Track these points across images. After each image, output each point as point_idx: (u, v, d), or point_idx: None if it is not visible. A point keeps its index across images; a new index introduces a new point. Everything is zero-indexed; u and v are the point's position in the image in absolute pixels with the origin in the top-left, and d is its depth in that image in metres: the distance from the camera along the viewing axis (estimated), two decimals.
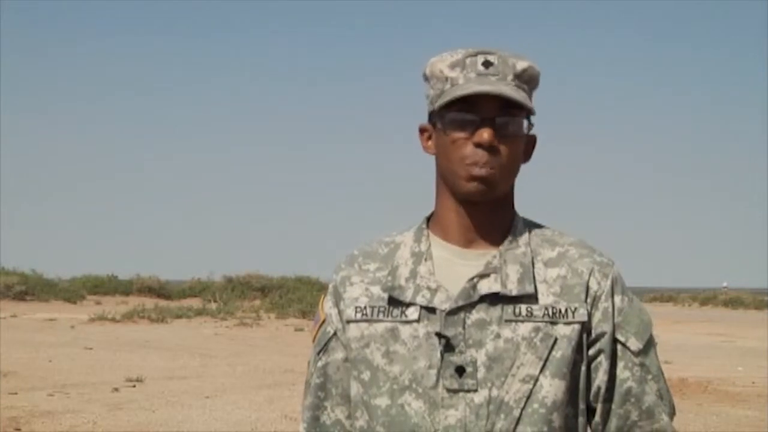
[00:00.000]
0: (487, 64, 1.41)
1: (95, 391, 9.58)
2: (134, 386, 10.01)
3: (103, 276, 31.27)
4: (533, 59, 1.45)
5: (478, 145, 1.38)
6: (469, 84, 1.39)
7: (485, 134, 1.37)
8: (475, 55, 1.42)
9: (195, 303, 25.53)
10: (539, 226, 1.50)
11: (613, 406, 1.42)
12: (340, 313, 1.48)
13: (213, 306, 24.23)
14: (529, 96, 1.44)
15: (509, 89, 1.39)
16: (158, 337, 16.29)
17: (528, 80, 1.43)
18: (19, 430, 7.38)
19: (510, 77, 1.41)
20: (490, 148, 1.38)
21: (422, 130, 1.49)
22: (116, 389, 9.71)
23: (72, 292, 27.86)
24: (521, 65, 1.42)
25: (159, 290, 30.05)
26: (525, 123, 1.42)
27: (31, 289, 26.34)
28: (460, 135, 1.40)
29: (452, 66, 1.42)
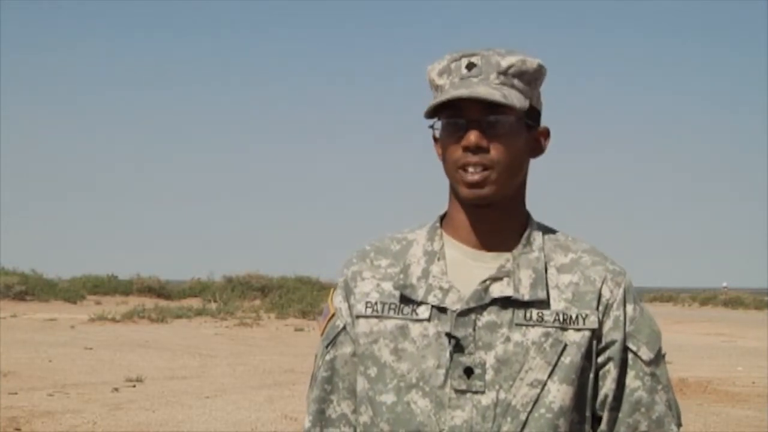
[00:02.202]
0: (470, 66, 1.41)
1: (95, 391, 9.58)
2: (134, 386, 10.00)
3: (103, 276, 31.21)
4: (533, 53, 1.43)
5: (465, 149, 1.38)
6: (450, 90, 1.40)
7: (471, 136, 1.38)
8: (459, 58, 1.42)
9: (195, 303, 25.50)
10: (553, 231, 1.49)
11: (622, 415, 1.42)
12: (350, 307, 1.48)
13: (213, 306, 24.18)
14: (524, 91, 1.42)
15: (487, 89, 1.37)
16: (158, 337, 16.28)
17: (518, 75, 1.41)
18: (19, 430, 7.38)
19: (493, 76, 1.40)
20: (478, 150, 1.38)
21: (436, 139, 1.48)
22: (116, 389, 9.71)
23: (72, 292, 27.81)
24: (507, 61, 1.41)
25: (159, 290, 30.00)
26: (515, 120, 1.40)
27: (31, 289, 26.27)
28: (451, 140, 1.40)
29: (440, 73, 1.43)
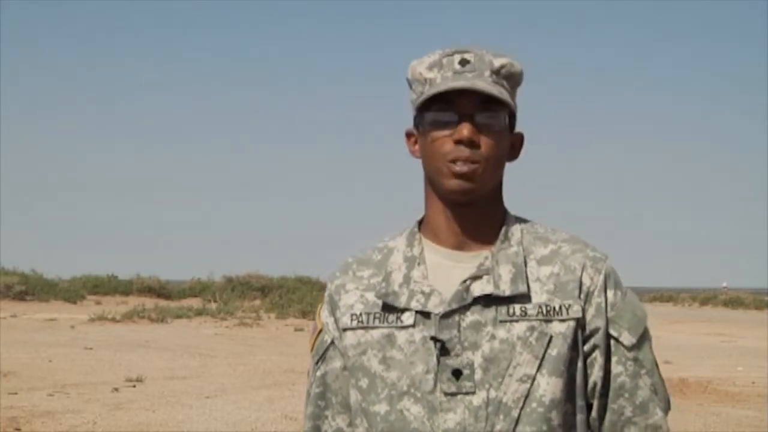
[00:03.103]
0: (463, 62, 1.42)
1: (95, 391, 9.59)
2: (134, 386, 10.01)
3: (103, 276, 31.17)
4: (517, 58, 1.45)
5: (458, 142, 1.39)
6: (444, 82, 1.40)
7: (464, 130, 1.38)
8: (452, 54, 1.43)
9: (195, 303, 25.48)
10: (532, 224, 1.49)
11: (608, 402, 1.42)
12: (336, 321, 1.48)
13: (213, 306, 24.17)
14: (510, 93, 1.44)
15: (484, 84, 1.39)
16: (158, 337, 16.28)
17: (507, 77, 1.43)
18: (19, 430, 7.39)
19: (487, 73, 1.41)
20: (470, 144, 1.38)
21: (409, 135, 1.49)
22: (116, 389, 9.72)
23: (72, 292, 27.79)
24: (499, 62, 1.42)
25: (159, 290, 29.97)
26: (505, 118, 1.42)
27: (31, 289, 26.27)
28: (441, 133, 1.40)
29: (430, 67, 1.43)
